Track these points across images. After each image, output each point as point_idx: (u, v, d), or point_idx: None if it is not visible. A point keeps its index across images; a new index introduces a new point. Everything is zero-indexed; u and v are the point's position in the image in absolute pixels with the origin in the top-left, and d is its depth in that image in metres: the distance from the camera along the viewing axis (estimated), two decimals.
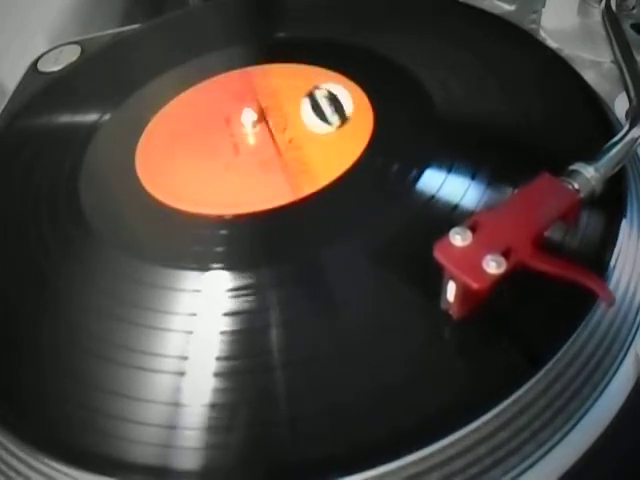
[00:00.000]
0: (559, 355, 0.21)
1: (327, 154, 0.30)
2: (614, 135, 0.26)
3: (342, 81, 0.33)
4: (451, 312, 0.22)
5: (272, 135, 0.31)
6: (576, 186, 0.23)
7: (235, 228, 0.27)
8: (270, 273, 0.25)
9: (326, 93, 0.31)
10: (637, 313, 0.24)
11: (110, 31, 0.44)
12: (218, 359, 0.23)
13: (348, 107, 0.31)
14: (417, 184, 0.27)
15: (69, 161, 0.33)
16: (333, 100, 0.31)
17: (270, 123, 0.32)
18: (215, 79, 0.36)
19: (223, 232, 0.28)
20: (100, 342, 0.24)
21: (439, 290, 0.22)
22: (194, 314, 0.25)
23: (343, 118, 0.31)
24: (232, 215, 0.28)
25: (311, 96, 0.31)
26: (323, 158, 0.29)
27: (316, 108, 0.31)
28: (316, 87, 0.32)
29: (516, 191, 0.24)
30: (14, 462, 0.23)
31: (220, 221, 0.28)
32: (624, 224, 0.25)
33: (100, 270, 0.27)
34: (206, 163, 0.31)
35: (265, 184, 0.29)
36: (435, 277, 0.22)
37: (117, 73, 0.39)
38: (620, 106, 0.31)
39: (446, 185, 0.27)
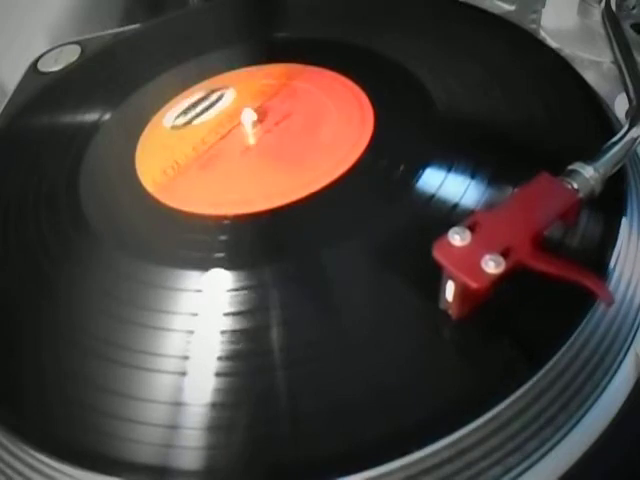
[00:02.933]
0: (559, 355, 0.21)
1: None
2: (614, 135, 0.26)
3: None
4: (450, 312, 0.22)
5: (271, 134, 0.31)
6: (575, 186, 0.23)
7: (236, 228, 0.28)
8: (271, 273, 0.25)
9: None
10: (637, 313, 0.24)
11: (110, 31, 0.44)
12: (219, 359, 0.23)
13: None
14: (417, 184, 0.27)
15: (69, 161, 0.33)
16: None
17: (269, 122, 0.32)
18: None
19: (224, 232, 0.28)
20: (101, 342, 0.24)
21: (438, 290, 0.22)
22: (195, 314, 0.25)
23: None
24: (233, 215, 0.28)
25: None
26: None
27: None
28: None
29: (515, 191, 0.24)
30: (14, 462, 0.23)
31: (221, 221, 0.28)
32: (624, 224, 0.25)
33: (101, 270, 0.27)
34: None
35: (266, 182, 0.29)
36: (434, 277, 0.22)
37: (117, 73, 0.39)
38: (620, 106, 0.31)
39: (446, 185, 0.27)
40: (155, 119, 0.34)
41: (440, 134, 0.29)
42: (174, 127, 0.33)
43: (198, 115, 0.33)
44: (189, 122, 0.33)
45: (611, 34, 0.33)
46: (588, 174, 0.23)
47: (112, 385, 0.23)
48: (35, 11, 0.48)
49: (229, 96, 0.34)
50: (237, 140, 0.31)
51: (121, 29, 0.45)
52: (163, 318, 0.24)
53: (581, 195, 0.23)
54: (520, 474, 0.21)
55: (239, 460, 0.21)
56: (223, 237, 0.27)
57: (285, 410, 0.21)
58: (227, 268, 0.26)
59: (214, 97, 0.34)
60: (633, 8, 0.38)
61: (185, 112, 0.34)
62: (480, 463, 0.20)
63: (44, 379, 0.24)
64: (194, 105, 0.34)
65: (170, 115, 0.34)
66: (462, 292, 0.21)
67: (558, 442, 0.21)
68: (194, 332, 0.24)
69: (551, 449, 0.21)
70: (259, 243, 0.27)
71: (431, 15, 0.38)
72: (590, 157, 0.24)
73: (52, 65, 0.42)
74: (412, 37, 0.36)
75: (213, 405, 0.22)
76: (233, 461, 0.21)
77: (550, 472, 0.21)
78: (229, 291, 0.25)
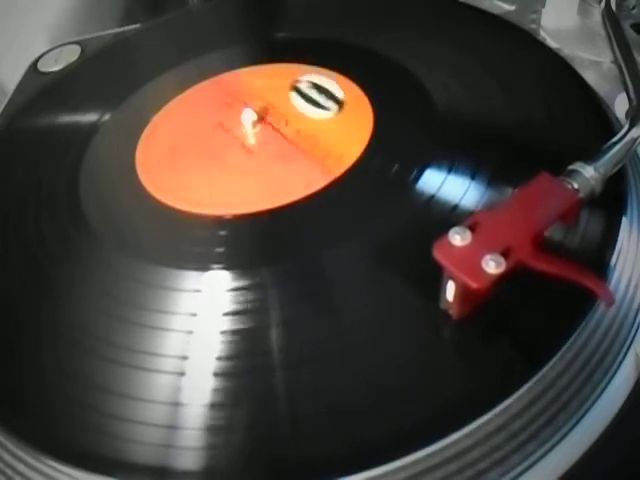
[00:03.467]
0: (559, 355, 0.21)
1: (326, 154, 0.30)
2: (614, 135, 0.26)
3: (325, 73, 0.33)
4: (451, 312, 0.22)
5: (275, 131, 0.31)
6: (575, 186, 0.23)
7: (235, 228, 0.28)
8: (270, 273, 0.25)
9: (309, 84, 0.31)
10: (637, 313, 0.24)
11: (110, 31, 0.44)
12: (218, 359, 0.23)
13: (338, 92, 0.32)
14: (417, 184, 0.27)
15: (69, 161, 0.33)
16: (319, 88, 0.31)
17: (271, 121, 0.32)
18: (215, 79, 0.36)
19: (223, 232, 0.28)
20: (100, 342, 0.24)
21: (439, 290, 0.22)
22: (194, 314, 0.25)
23: (338, 102, 0.31)
24: (232, 215, 0.28)
25: (297, 89, 0.31)
26: (322, 158, 0.29)
27: (308, 98, 0.31)
28: (297, 81, 0.32)
29: (515, 191, 0.24)
30: (14, 462, 0.23)
31: (220, 221, 0.28)
32: (624, 224, 0.25)
33: (100, 270, 0.27)
34: (206, 162, 0.31)
35: (265, 182, 0.29)
36: (435, 277, 0.22)
37: (117, 73, 0.39)
38: (620, 106, 0.31)
39: (446, 185, 0.27)
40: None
41: (440, 134, 0.29)
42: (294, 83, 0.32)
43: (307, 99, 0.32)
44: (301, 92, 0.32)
45: (611, 34, 0.33)
46: (588, 174, 0.23)
47: (112, 385, 0.23)
48: (35, 11, 0.48)
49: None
50: (237, 138, 0.32)
51: (121, 29, 0.45)
52: (162, 318, 0.24)
53: (581, 195, 0.23)
54: (520, 474, 0.21)
55: (239, 460, 0.21)
56: (222, 237, 0.27)
57: (285, 410, 0.21)
58: (226, 268, 0.26)
59: (328, 104, 0.32)
60: (633, 8, 0.38)
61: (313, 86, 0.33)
62: (480, 463, 0.20)
63: (44, 379, 0.24)
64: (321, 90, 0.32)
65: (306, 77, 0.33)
66: (462, 292, 0.21)
67: (558, 442, 0.21)
68: (193, 332, 0.24)
69: (551, 449, 0.21)
70: (258, 243, 0.27)
71: (431, 15, 0.38)
72: (590, 157, 0.24)
73: (52, 65, 0.42)
74: (412, 37, 0.36)
75: (212, 405, 0.22)
76: (233, 461, 0.21)
77: (550, 472, 0.21)
78: (228, 291, 0.25)
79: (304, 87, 0.32)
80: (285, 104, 0.32)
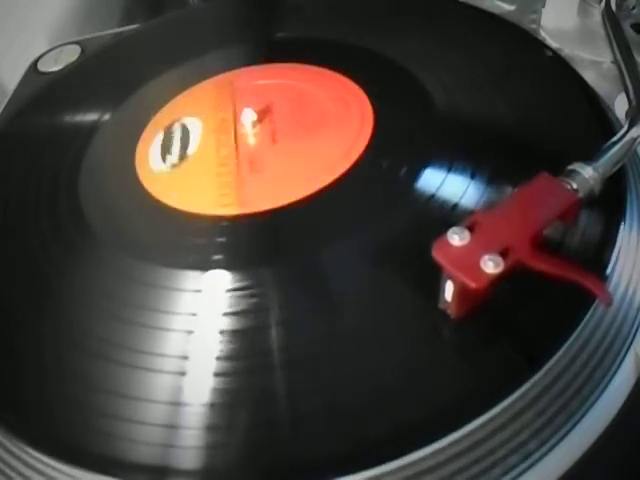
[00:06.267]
0: (559, 355, 0.21)
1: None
2: (614, 135, 0.26)
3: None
4: (449, 312, 0.22)
5: (271, 135, 0.31)
6: (575, 186, 0.23)
7: (235, 228, 0.28)
8: (270, 273, 0.25)
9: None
10: (637, 313, 0.24)
11: (110, 31, 0.45)
12: (218, 359, 0.23)
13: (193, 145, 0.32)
14: (416, 184, 0.27)
15: (69, 161, 0.33)
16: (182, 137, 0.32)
17: (269, 123, 0.32)
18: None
19: (223, 232, 0.28)
20: (100, 342, 0.24)
21: (437, 290, 0.22)
22: (194, 314, 0.25)
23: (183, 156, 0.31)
24: (232, 215, 0.28)
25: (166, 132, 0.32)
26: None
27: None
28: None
29: (515, 191, 0.24)
30: (14, 462, 0.23)
31: (220, 221, 0.28)
32: (624, 224, 0.25)
33: (101, 270, 0.27)
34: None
35: (267, 182, 0.29)
36: (434, 277, 0.22)
37: (117, 73, 0.39)
38: (620, 106, 0.31)
39: (445, 185, 0.27)
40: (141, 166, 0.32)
41: (440, 134, 0.29)
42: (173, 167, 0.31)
43: (184, 148, 0.32)
44: (182, 158, 0.31)
45: (611, 34, 0.33)
46: (588, 174, 0.23)
47: (112, 385, 0.23)
48: (35, 11, 0.48)
49: (192, 125, 0.33)
50: (237, 139, 0.32)
51: (121, 29, 0.45)
52: (162, 318, 0.24)
53: (580, 195, 0.23)
54: (520, 474, 0.21)
55: (239, 460, 0.21)
56: (222, 237, 0.27)
57: (285, 410, 0.21)
58: (226, 268, 0.26)
59: (177, 132, 0.32)
60: (633, 8, 0.38)
61: (165, 154, 0.32)
62: (480, 463, 0.20)
63: (44, 379, 0.24)
64: (166, 145, 0.32)
65: (155, 162, 0.32)
66: (461, 292, 0.21)
67: (558, 442, 0.21)
68: (193, 332, 0.24)
69: (551, 449, 0.21)
70: (258, 243, 0.27)
71: (431, 15, 0.38)
72: (590, 157, 0.24)
73: (52, 65, 0.42)
74: (412, 37, 0.36)
75: (212, 405, 0.22)
76: (233, 461, 0.21)
77: (550, 472, 0.21)
78: (228, 291, 0.25)
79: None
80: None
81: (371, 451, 0.20)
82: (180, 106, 0.35)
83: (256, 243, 0.27)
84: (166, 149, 0.32)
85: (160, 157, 0.32)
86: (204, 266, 0.26)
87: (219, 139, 0.32)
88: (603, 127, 0.28)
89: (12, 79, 0.42)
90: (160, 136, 0.33)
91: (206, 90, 0.35)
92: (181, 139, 0.32)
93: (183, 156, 0.31)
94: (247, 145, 0.31)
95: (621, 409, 0.22)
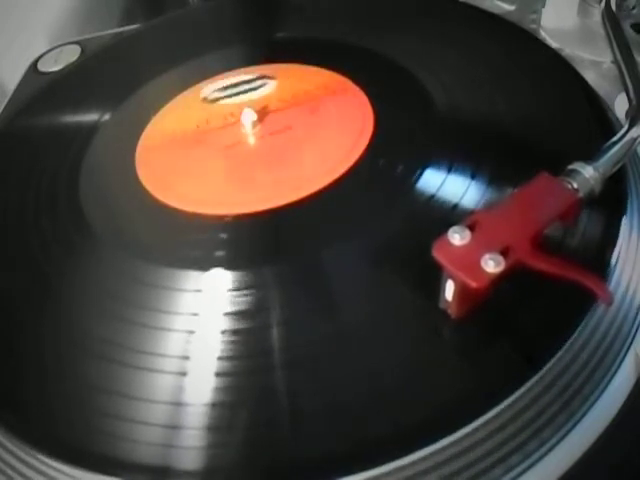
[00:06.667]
0: (559, 355, 0.21)
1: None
2: (614, 135, 0.26)
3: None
4: (450, 311, 0.22)
5: (274, 133, 0.31)
6: (575, 185, 0.23)
7: (236, 228, 0.28)
8: (271, 273, 0.25)
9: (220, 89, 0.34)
10: (637, 313, 0.24)
11: (110, 31, 0.45)
12: (219, 359, 0.23)
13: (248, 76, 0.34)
14: (416, 183, 0.27)
15: (69, 161, 0.33)
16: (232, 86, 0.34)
17: (270, 122, 0.32)
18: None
19: (224, 232, 0.28)
20: (101, 342, 0.24)
21: (438, 289, 0.22)
22: (195, 314, 0.25)
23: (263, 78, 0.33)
24: (233, 215, 0.28)
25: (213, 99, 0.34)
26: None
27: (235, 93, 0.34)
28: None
29: (515, 190, 0.24)
30: (14, 462, 0.23)
31: (221, 221, 0.28)
32: (624, 223, 0.25)
33: (101, 270, 0.27)
34: (206, 162, 0.31)
35: (268, 182, 0.29)
36: (434, 276, 0.22)
37: (117, 73, 0.39)
38: (620, 106, 0.31)
39: (445, 184, 0.27)
40: (192, 89, 0.35)
41: (440, 134, 0.29)
42: (204, 100, 0.34)
43: (230, 96, 0.34)
44: (217, 99, 0.34)
45: (611, 34, 0.33)
46: (588, 174, 0.23)
47: (112, 385, 0.23)
48: (35, 11, 0.48)
49: (266, 88, 0.34)
50: (237, 139, 0.32)
51: (121, 29, 0.45)
52: (163, 318, 0.24)
53: (581, 195, 0.23)
54: (520, 474, 0.21)
55: (239, 460, 0.21)
56: (223, 237, 0.27)
57: (285, 410, 0.21)
58: (227, 268, 0.26)
59: (257, 83, 0.34)
60: (633, 8, 0.38)
61: (224, 89, 0.34)
62: (480, 463, 0.20)
63: (44, 379, 0.24)
64: (236, 85, 0.34)
65: (209, 88, 0.35)
66: (462, 291, 0.21)
67: (558, 442, 0.21)
68: (194, 332, 0.24)
69: (551, 449, 0.21)
70: (259, 243, 0.27)
71: (431, 15, 0.38)
72: (590, 157, 0.24)
73: (52, 65, 0.42)
74: (412, 37, 0.36)
75: (213, 405, 0.22)
76: (233, 461, 0.21)
77: (550, 472, 0.21)
78: (229, 291, 0.25)
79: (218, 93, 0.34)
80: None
81: (371, 451, 0.20)
82: None
83: (257, 243, 0.27)
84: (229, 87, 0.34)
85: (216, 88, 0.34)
86: (205, 266, 0.26)
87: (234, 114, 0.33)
88: (603, 127, 0.28)
89: (12, 79, 0.42)
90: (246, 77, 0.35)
91: None
92: (244, 90, 0.34)
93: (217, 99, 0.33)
94: (247, 145, 0.31)
95: (621, 409, 0.22)
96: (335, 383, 0.22)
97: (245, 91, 0.34)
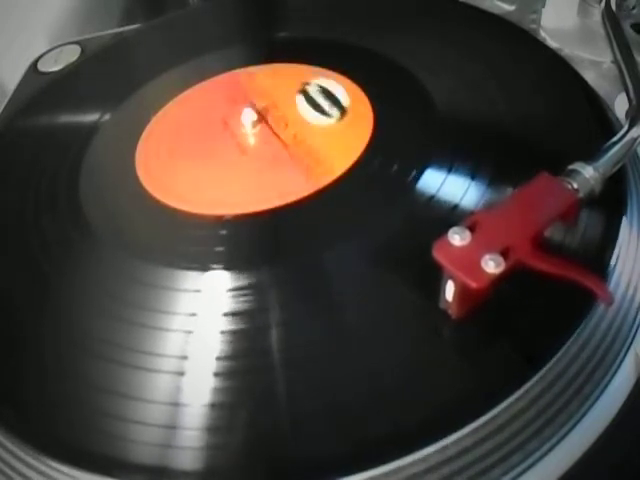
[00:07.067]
0: (559, 355, 0.21)
1: (326, 154, 0.30)
2: (614, 135, 0.26)
3: (335, 77, 0.33)
4: (450, 312, 0.22)
5: (274, 133, 0.31)
6: (575, 186, 0.23)
7: (235, 228, 0.28)
8: (270, 273, 0.25)
9: (318, 88, 0.31)
10: (637, 313, 0.24)
11: (110, 31, 0.45)
12: (218, 359, 0.23)
13: (344, 99, 0.32)
14: (416, 184, 0.27)
15: (69, 161, 0.33)
16: (326, 93, 0.31)
17: (270, 122, 0.32)
18: (214, 79, 0.36)
19: (223, 232, 0.28)
20: (100, 342, 0.24)
21: (438, 290, 0.22)
22: (194, 314, 0.25)
23: (341, 109, 0.31)
24: (232, 215, 0.28)
25: (304, 92, 0.31)
26: (322, 159, 0.29)
27: (313, 103, 0.31)
28: (306, 83, 0.32)
29: (515, 191, 0.24)
30: (14, 462, 0.23)
31: (220, 221, 0.28)
32: (624, 223, 0.25)
33: (101, 270, 0.27)
34: (206, 163, 0.31)
35: (265, 182, 0.29)
36: (434, 277, 0.22)
37: (117, 73, 0.39)
38: (620, 106, 0.31)
39: (445, 185, 0.27)
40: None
41: (440, 134, 0.29)
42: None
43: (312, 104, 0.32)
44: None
45: (611, 34, 0.33)
46: (588, 174, 0.23)
47: (112, 385, 0.23)
48: (35, 11, 0.48)
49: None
50: (237, 139, 0.32)
51: (121, 29, 0.45)
52: (162, 318, 0.24)
53: (581, 195, 0.23)
54: (520, 474, 0.21)
55: (239, 460, 0.21)
56: (222, 237, 0.27)
57: (285, 410, 0.21)
58: (226, 268, 0.26)
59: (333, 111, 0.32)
60: (633, 8, 0.38)
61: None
62: (480, 463, 0.20)
63: (44, 379, 0.24)
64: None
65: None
66: (462, 292, 0.21)
67: (558, 442, 0.21)
68: (193, 332, 0.24)
69: (551, 449, 0.21)
70: (258, 243, 0.27)
71: (431, 15, 0.38)
72: (590, 157, 0.24)
73: (52, 65, 0.42)
74: (412, 37, 0.36)
75: (212, 405, 0.22)
76: (233, 461, 0.21)
77: (550, 472, 0.21)
78: (228, 291, 0.25)
79: (312, 90, 0.32)
80: (290, 106, 0.32)
81: (371, 451, 0.20)
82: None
83: (256, 243, 0.27)
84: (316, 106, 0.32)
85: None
86: (204, 266, 0.26)
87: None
88: (603, 127, 0.28)
89: (12, 79, 0.42)
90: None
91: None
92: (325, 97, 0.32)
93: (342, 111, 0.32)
94: (247, 144, 0.31)
95: (621, 409, 0.22)
96: (335, 383, 0.22)
97: (321, 110, 0.32)
